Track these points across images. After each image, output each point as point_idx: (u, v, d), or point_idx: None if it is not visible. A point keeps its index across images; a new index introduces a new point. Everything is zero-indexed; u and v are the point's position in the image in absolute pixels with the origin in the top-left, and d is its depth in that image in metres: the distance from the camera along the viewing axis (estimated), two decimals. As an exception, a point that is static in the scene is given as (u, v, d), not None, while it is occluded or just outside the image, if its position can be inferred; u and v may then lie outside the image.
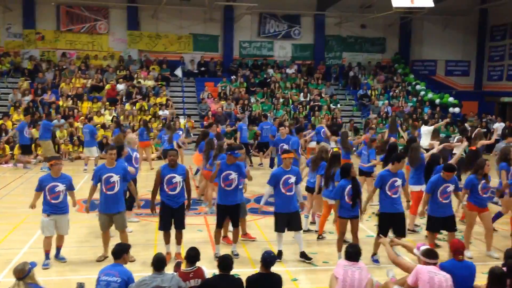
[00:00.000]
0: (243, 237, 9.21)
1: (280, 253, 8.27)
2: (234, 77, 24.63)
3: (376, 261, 8.26)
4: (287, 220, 8.18)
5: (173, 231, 8.24)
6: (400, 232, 8.18)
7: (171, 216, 8.09)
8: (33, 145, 17.77)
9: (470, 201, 8.59)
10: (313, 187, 9.72)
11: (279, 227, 8.27)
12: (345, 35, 27.28)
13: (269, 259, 5.79)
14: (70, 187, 8.15)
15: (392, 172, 8.15)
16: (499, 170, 10.02)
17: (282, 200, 8.18)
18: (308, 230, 9.85)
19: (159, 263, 5.78)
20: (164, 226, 8.17)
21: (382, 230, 8.18)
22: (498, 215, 9.91)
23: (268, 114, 20.71)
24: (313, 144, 16.59)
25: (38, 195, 8.08)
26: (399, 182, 8.10)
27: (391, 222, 8.11)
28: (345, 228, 8.18)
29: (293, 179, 8.14)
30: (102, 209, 8.05)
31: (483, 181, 8.44)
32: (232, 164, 8.27)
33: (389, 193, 8.05)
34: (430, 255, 5.80)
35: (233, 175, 8.25)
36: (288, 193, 8.14)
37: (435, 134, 13.30)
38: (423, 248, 6.02)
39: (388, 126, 16.77)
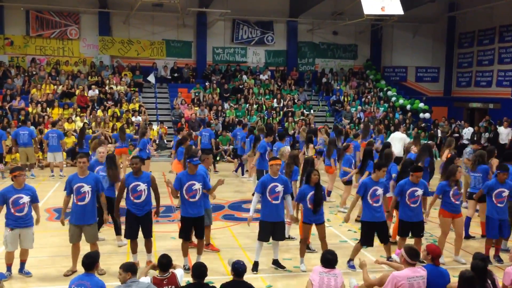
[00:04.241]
0: (205, 248, 8.74)
1: (256, 264, 8.06)
2: (208, 83, 24.59)
3: (352, 266, 8.29)
4: (271, 230, 8.01)
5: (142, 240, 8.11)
6: (383, 240, 8.26)
7: (137, 224, 7.95)
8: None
9: (443, 208, 8.64)
10: None
11: (263, 236, 8.03)
12: (318, 42, 27.54)
13: (240, 268, 5.78)
14: (34, 199, 7.78)
15: (374, 181, 8.18)
16: (471, 173, 10.27)
17: (268, 208, 7.92)
18: (289, 237, 9.77)
19: (129, 268, 5.75)
20: (130, 234, 8.00)
21: (364, 239, 8.21)
22: (468, 221, 10.10)
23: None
24: None
25: (0, 209, 7.63)
26: (380, 191, 8.11)
27: (374, 231, 8.17)
28: (307, 233, 8.19)
29: (280, 187, 7.95)
30: (72, 220, 7.81)
31: (455, 188, 8.46)
32: (195, 174, 7.93)
33: (370, 201, 8.08)
34: (412, 255, 5.73)
35: (197, 185, 7.87)
36: (274, 202, 7.90)
37: (416, 141, 13.32)
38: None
39: (361, 131, 16.91)
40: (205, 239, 8.64)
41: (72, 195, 7.77)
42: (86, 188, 7.72)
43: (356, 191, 8.37)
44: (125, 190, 7.99)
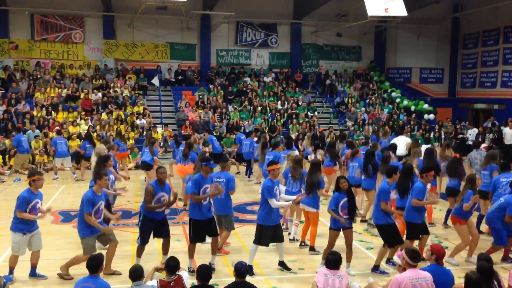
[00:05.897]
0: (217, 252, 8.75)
1: (251, 268, 7.94)
2: (212, 85, 24.63)
3: (383, 272, 8.18)
4: (272, 233, 8.03)
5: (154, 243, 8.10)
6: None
7: (152, 229, 8.06)
8: (7, 156, 17.52)
9: (461, 218, 8.53)
10: None
11: (265, 241, 8.04)
12: (322, 44, 27.53)
13: (242, 268, 5.81)
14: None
15: (390, 185, 8.44)
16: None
17: (270, 212, 7.96)
18: (294, 239, 9.76)
19: (136, 273, 5.82)
20: (145, 240, 8.05)
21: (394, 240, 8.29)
22: (481, 218, 10.14)
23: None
24: None
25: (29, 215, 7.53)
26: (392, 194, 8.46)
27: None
28: (334, 240, 8.11)
29: (277, 190, 8.07)
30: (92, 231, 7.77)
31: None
32: (208, 177, 8.10)
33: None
34: (413, 257, 5.71)
35: (209, 189, 8.06)
36: None
37: (416, 144, 13.29)
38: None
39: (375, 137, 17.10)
40: (220, 243, 8.75)
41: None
42: (102, 205, 7.82)
43: (383, 199, 8.15)
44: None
